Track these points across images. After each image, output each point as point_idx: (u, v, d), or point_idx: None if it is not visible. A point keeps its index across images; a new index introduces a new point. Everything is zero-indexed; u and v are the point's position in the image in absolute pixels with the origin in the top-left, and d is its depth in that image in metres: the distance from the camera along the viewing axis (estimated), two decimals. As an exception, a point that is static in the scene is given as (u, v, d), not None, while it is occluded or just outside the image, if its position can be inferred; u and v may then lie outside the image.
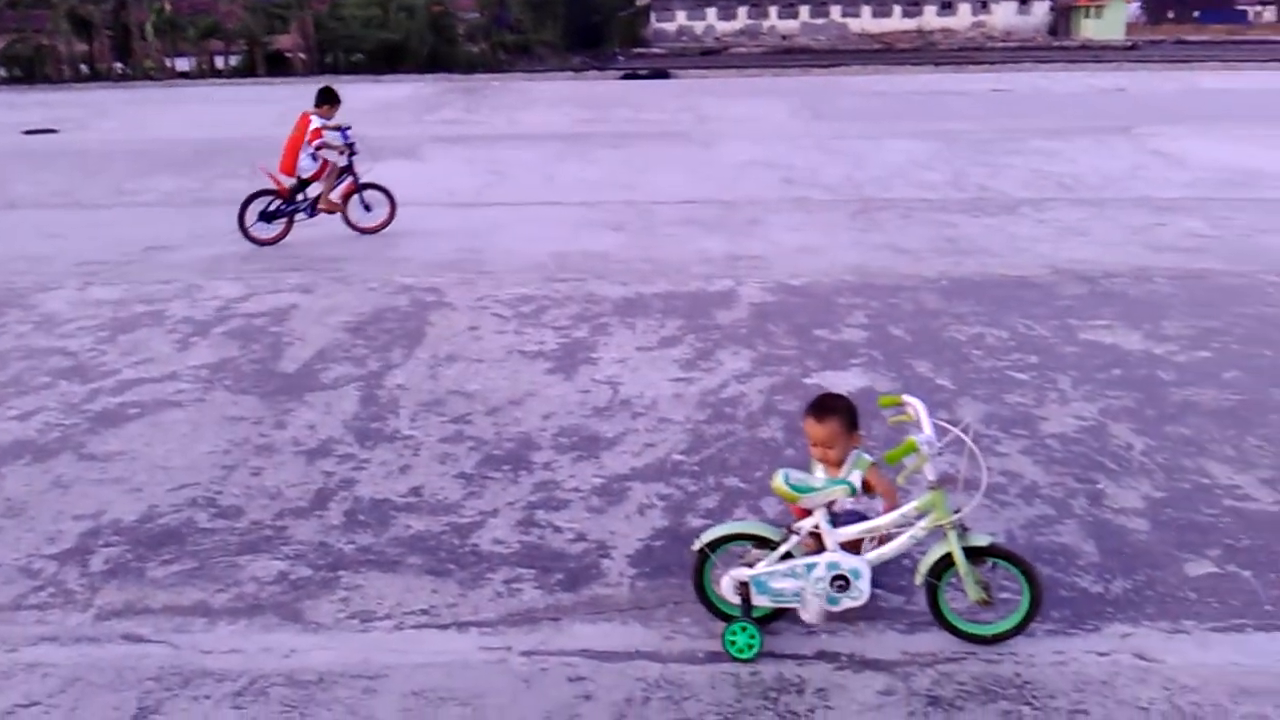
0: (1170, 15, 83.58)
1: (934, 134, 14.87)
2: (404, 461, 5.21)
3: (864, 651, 3.72)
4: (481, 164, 14.27)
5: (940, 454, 3.58)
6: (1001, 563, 3.69)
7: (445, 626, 3.87)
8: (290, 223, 10.03)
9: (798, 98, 18.93)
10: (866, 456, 3.80)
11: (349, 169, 10.14)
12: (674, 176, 12.61)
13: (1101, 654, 3.71)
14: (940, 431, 3.60)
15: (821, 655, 3.70)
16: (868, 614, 3.90)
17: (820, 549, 3.70)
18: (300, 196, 9.99)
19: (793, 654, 3.70)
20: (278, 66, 43.79)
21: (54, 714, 3.44)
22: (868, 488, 3.78)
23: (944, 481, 3.58)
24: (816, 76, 31.69)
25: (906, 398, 3.76)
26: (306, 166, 9.93)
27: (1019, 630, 3.72)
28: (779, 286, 7.92)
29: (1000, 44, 61.19)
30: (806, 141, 14.54)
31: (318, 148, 9.91)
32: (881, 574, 3.96)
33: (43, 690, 3.56)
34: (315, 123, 9.91)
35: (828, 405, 3.80)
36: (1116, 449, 5.31)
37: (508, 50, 51.00)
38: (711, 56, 54.98)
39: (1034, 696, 3.48)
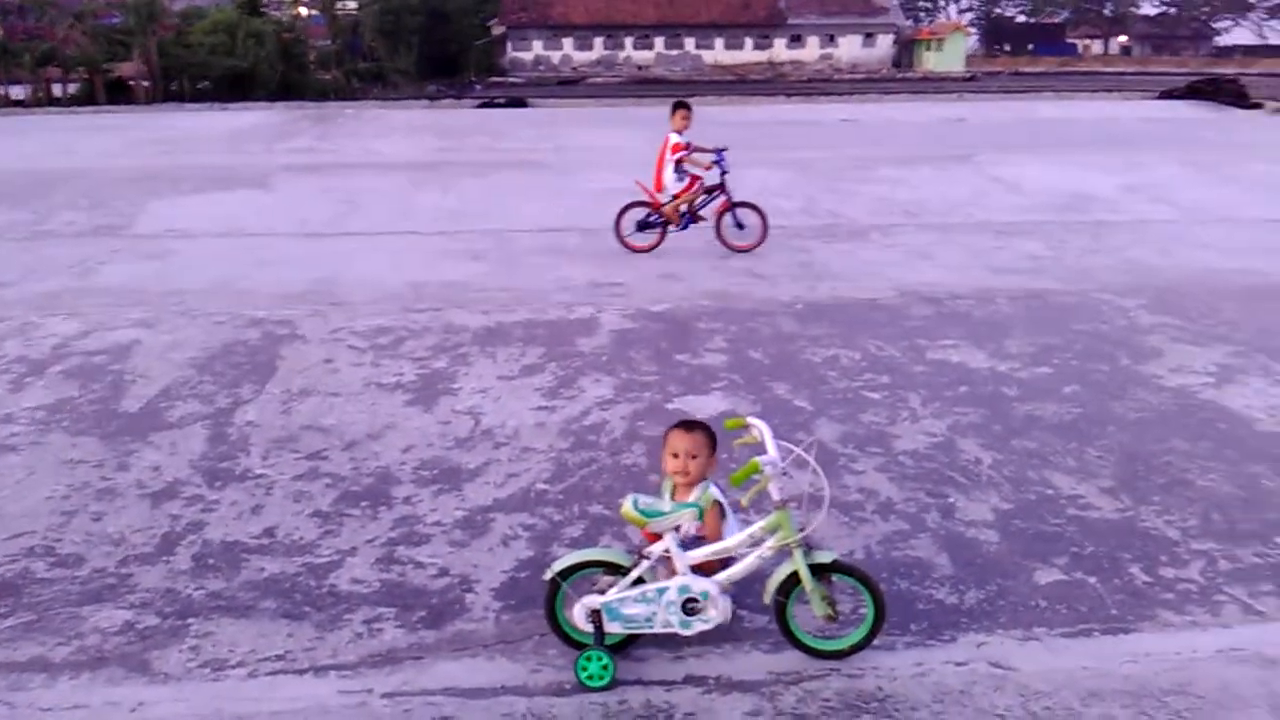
0: (1006, 48, 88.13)
1: (787, 163, 15.24)
2: (256, 501, 5.02)
3: (730, 674, 3.74)
4: (335, 193, 13.96)
5: (785, 474, 3.62)
6: (845, 578, 3.77)
7: (302, 671, 3.73)
8: (664, 233, 10.26)
9: (655, 128, 19.17)
10: (715, 491, 3.84)
11: (721, 187, 10.22)
12: (534, 205, 12.58)
13: (959, 664, 3.81)
14: (785, 452, 3.66)
15: (689, 679, 3.70)
16: (733, 635, 3.93)
17: (671, 573, 3.72)
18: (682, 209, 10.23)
19: (660, 680, 3.70)
20: (120, 94, 42.06)
21: None
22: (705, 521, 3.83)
23: (789, 501, 3.63)
24: (673, 106, 32.17)
25: (751, 420, 3.81)
26: (672, 182, 10.13)
27: (866, 643, 3.80)
28: (640, 313, 7.96)
29: (847, 76, 63.26)
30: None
31: (679, 161, 10.07)
32: (745, 595, 4.00)
33: None
34: (674, 139, 10.10)
35: (696, 421, 3.84)
36: (966, 463, 5.49)
37: (361, 78, 50.19)
38: (569, 86, 55.26)
39: (896, 709, 3.55)
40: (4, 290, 9.06)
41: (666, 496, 3.84)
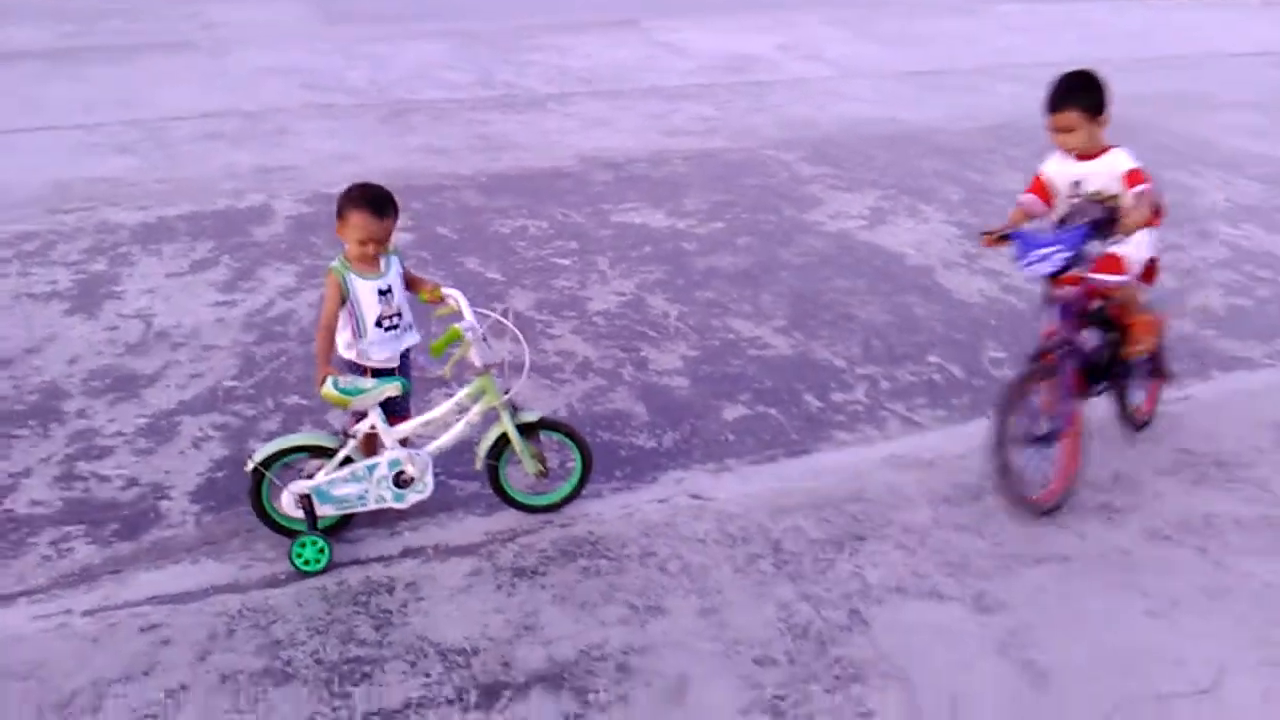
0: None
1: (453, 33, 14.82)
2: (-99, 433, 4.51)
3: (447, 540, 3.81)
4: (-54, 88, 12.27)
5: (484, 339, 3.66)
6: (552, 433, 3.91)
7: (-15, 604, 3.45)
8: None
9: (320, 4, 18.03)
10: (396, 257, 3.76)
11: None
12: (185, 90, 11.60)
13: (661, 500, 4.07)
14: (482, 318, 3.69)
15: (406, 552, 3.74)
16: (446, 505, 3.99)
17: (375, 450, 3.71)
18: None
19: (378, 556, 3.71)
20: None
21: None
22: (411, 284, 3.81)
23: (490, 366, 3.68)
24: (328, -21, 30.33)
25: (446, 290, 3.80)
26: None
27: (577, 492, 3.98)
28: (315, 196, 7.62)
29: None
30: (324, 45, 13.92)
31: None
32: (454, 464, 4.06)
33: None
34: None
35: (388, 199, 3.65)
36: (655, 318, 5.75)
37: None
38: (210, -40, 50.75)
39: (608, 549, 3.75)
40: None
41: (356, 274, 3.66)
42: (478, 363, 3.65)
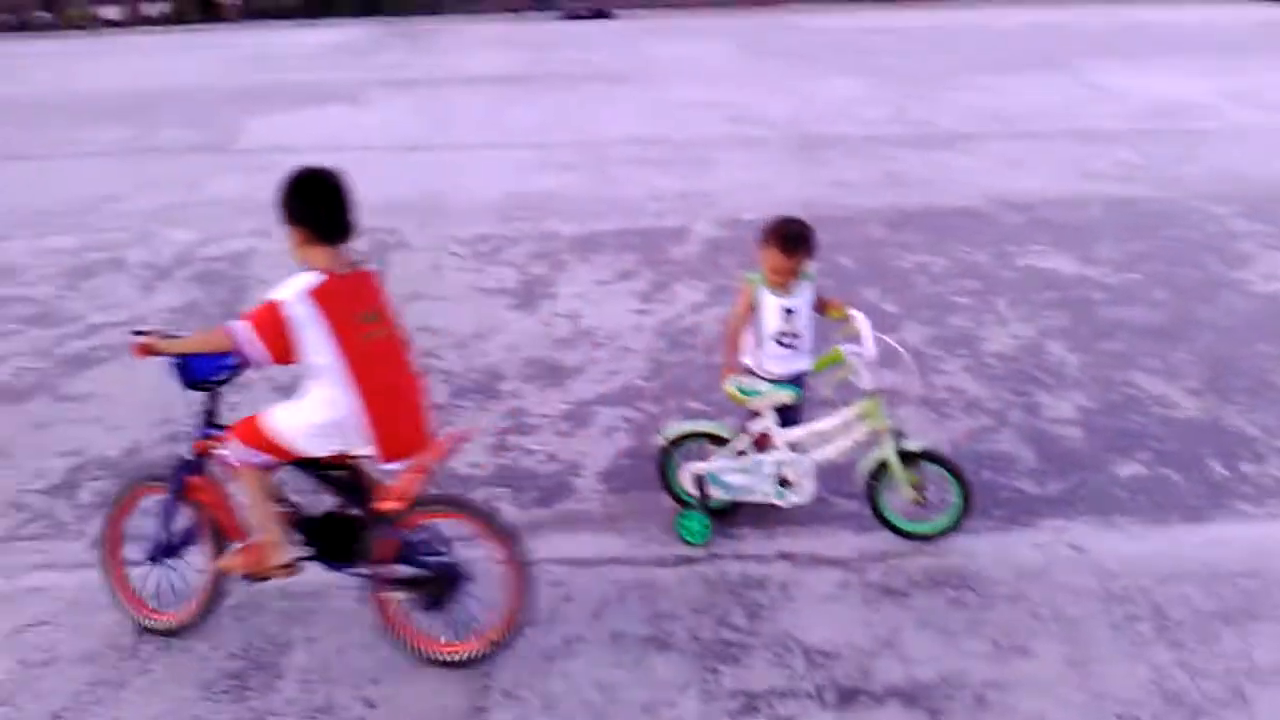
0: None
1: (875, 71, 15.06)
2: (376, 394, 5.39)
3: (820, 550, 4.02)
4: (427, 108, 14.22)
5: (872, 364, 3.81)
6: (934, 465, 3.99)
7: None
8: None
9: (740, 38, 18.99)
10: (808, 282, 4.01)
11: None
12: (622, 117, 12.71)
13: (1038, 546, 4.04)
14: (879, 344, 3.87)
15: (782, 555, 3.99)
16: (822, 518, 4.20)
17: (770, 448, 3.99)
18: None
19: (755, 555, 4.00)
20: (209, 12, 42.73)
21: (61, 630, 3.64)
22: (822, 306, 4.07)
23: (880, 390, 3.85)
24: (757, 17, 31.65)
25: (852, 311, 4.01)
26: None
27: (953, 528, 4.03)
28: (730, 221, 8.13)
29: (939, -19, 61.27)
30: (751, 80, 14.66)
31: None
32: (834, 480, 4.26)
33: (49, 611, 3.75)
34: None
35: (801, 237, 3.94)
36: (1051, 364, 5.64)
37: (444, -8, 50.11)
38: (652, -3, 54.40)
39: (978, 585, 3.80)
40: (121, 203, 9.54)
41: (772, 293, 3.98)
42: (866, 386, 3.84)
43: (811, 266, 4.00)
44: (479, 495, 4.43)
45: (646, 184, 9.47)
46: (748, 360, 4.05)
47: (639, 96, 13.79)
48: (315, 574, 3.50)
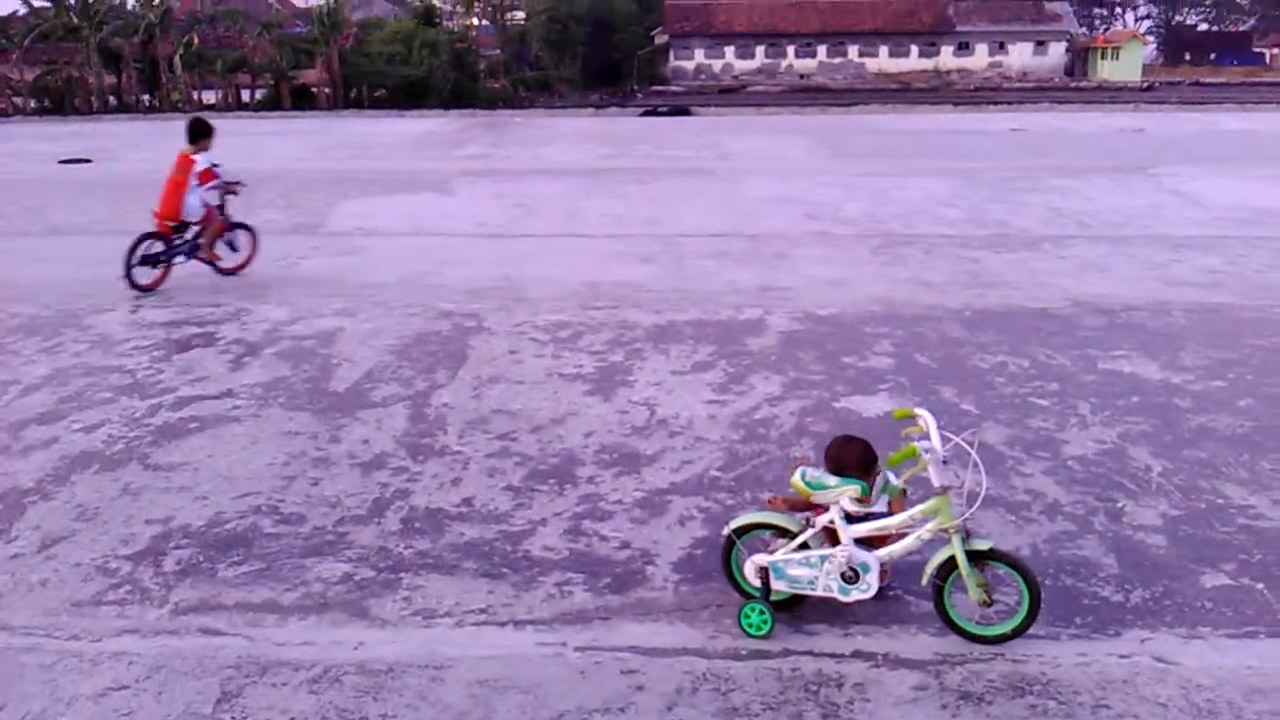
0: (1187, 57, 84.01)
1: (953, 172, 15.17)
2: (455, 474, 5.48)
3: (897, 651, 3.95)
4: (509, 197, 14.62)
5: (945, 462, 3.82)
6: (1002, 566, 3.93)
7: (503, 624, 4.12)
8: (169, 267, 9.56)
9: (817, 136, 19.28)
10: (896, 483, 4.08)
11: (221, 208, 9.76)
12: (699, 211, 12.93)
13: (1122, 656, 3.93)
14: (947, 442, 3.85)
15: (858, 654, 3.93)
16: (899, 617, 4.14)
17: (835, 543, 3.96)
18: (179, 239, 9.54)
19: (830, 652, 3.94)
20: (303, 100, 44.57)
21: (142, 696, 3.70)
22: (893, 509, 4.09)
23: (948, 487, 3.83)
24: (835, 115, 32.10)
25: (918, 410, 4.02)
26: (194, 209, 9.46)
27: (1020, 631, 3.94)
28: (807, 316, 8.18)
29: (1017, 85, 61.75)
30: (827, 178, 14.85)
31: (211, 189, 9.47)
32: (911, 580, 4.21)
33: (130, 676, 3.82)
34: (203, 163, 9.40)
35: (848, 462, 4.08)
36: (1135, 471, 5.53)
37: (528, 87, 51.74)
38: (730, 95, 55.63)
39: (1059, 693, 3.70)
40: (215, 278, 9.89)
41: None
42: (936, 483, 3.82)
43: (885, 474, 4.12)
44: (553, 579, 4.46)
45: (723, 277, 9.58)
46: None
47: (716, 191, 14.02)
48: (386, 651, 3.54)
